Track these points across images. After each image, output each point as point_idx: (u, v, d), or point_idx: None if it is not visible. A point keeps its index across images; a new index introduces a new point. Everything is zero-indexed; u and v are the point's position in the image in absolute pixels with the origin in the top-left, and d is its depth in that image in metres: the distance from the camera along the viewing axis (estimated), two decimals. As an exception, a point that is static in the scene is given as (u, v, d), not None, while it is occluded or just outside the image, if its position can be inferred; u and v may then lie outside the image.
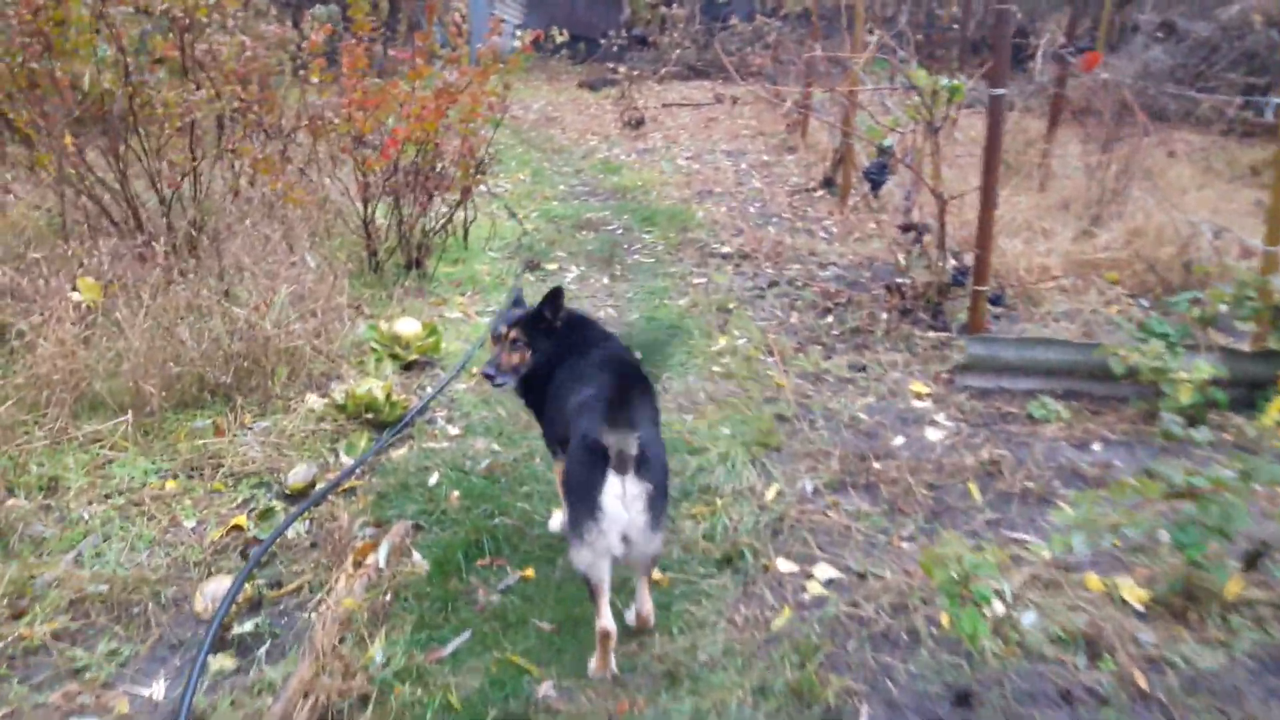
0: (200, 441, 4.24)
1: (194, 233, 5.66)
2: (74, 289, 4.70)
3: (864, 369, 5.38)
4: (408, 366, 5.17)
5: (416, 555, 3.49)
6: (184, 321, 4.55)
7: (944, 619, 3.23)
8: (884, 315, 6.14)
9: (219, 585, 3.10)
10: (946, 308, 6.15)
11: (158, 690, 2.85)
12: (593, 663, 2.94)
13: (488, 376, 3.43)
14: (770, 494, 4.00)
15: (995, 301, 6.04)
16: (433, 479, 4.04)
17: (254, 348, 4.47)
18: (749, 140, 13.07)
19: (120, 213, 5.72)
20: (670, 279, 6.96)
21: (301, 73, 6.10)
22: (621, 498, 2.74)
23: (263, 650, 3.03)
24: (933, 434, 4.64)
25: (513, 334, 3.39)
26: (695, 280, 6.94)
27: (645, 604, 3.10)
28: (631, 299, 6.55)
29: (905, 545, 3.72)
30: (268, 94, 7.01)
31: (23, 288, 4.54)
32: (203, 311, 4.64)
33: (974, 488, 4.12)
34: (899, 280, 6.47)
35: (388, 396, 4.47)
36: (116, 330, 4.50)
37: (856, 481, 4.16)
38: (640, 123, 14.14)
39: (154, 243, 5.28)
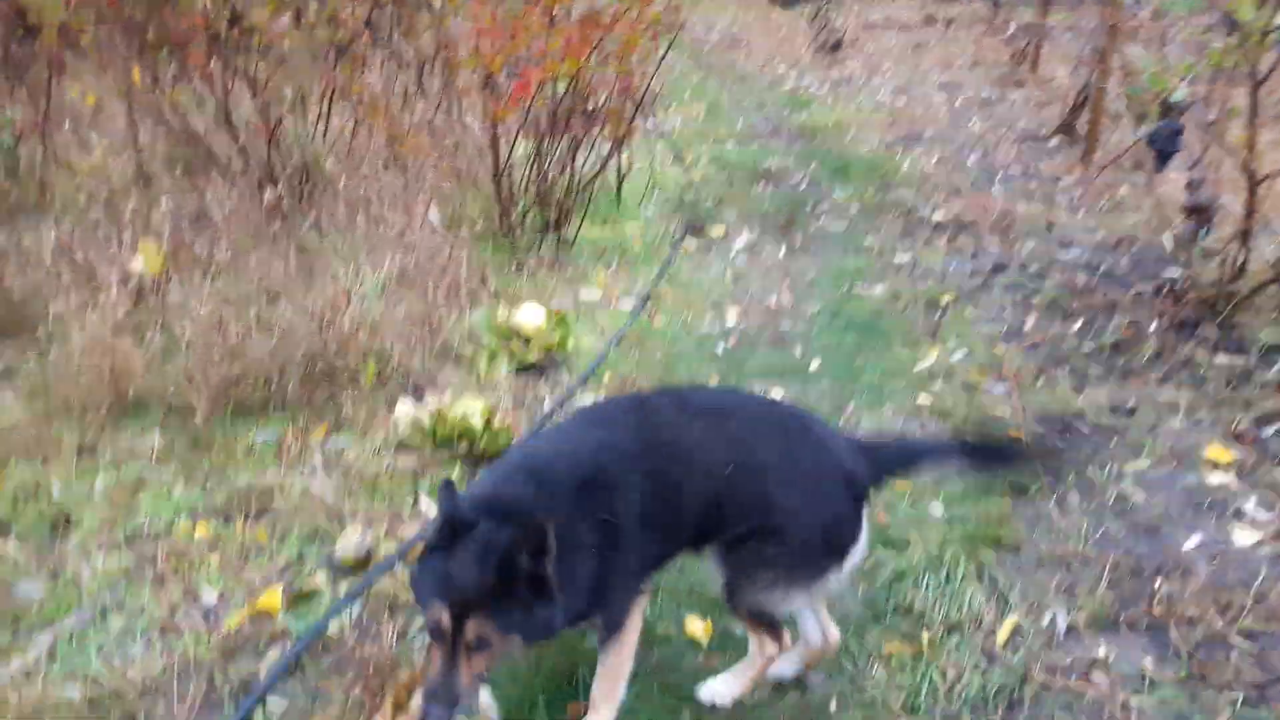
0: (258, 462, 3.39)
1: (300, 184, 4.79)
2: (136, 253, 3.92)
3: (1133, 412, 3.92)
4: (526, 369, 4.14)
5: (484, 694, 2.46)
6: (251, 309, 3.66)
7: None
8: (1153, 325, 4.60)
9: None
10: (1242, 322, 4.53)
11: None
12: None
13: None
14: (1003, 632, 2.73)
15: (1335, 329, 4.36)
16: (527, 556, 3.01)
17: (328, 350, 3.54)
18: (966, 71, 11.19)
19: (224, 151, 4.93)
20: (865, 256, 5.59)
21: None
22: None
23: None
24: (1243, 535, 3.18)
25: (476, 629, 1.86)
26: (897, 259, 5.54)
27: (833, 627, 2.56)
28: (813, 282, 5.25)
29: (1215, 747, 2.39)
30: (408, 14, 6.06)
31: (75, 254, 3.77)
32: (273, 295, 3.74)
33: (1321, 644, 2.69)
34: (1173, 278, 4.89)
35: (487, 423, 3.45)
36: (177, 315, 3.68)
37: (1134, 616, 2.81)
38: (837, 46, 12.50)
39: (267, 186, 4.46)
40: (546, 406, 3.88)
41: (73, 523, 3.07)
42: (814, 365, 4.22)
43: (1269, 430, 3.74)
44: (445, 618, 1.85)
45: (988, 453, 2.65)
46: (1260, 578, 2.95)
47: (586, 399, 3.94)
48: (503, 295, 4.67)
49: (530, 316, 4.22)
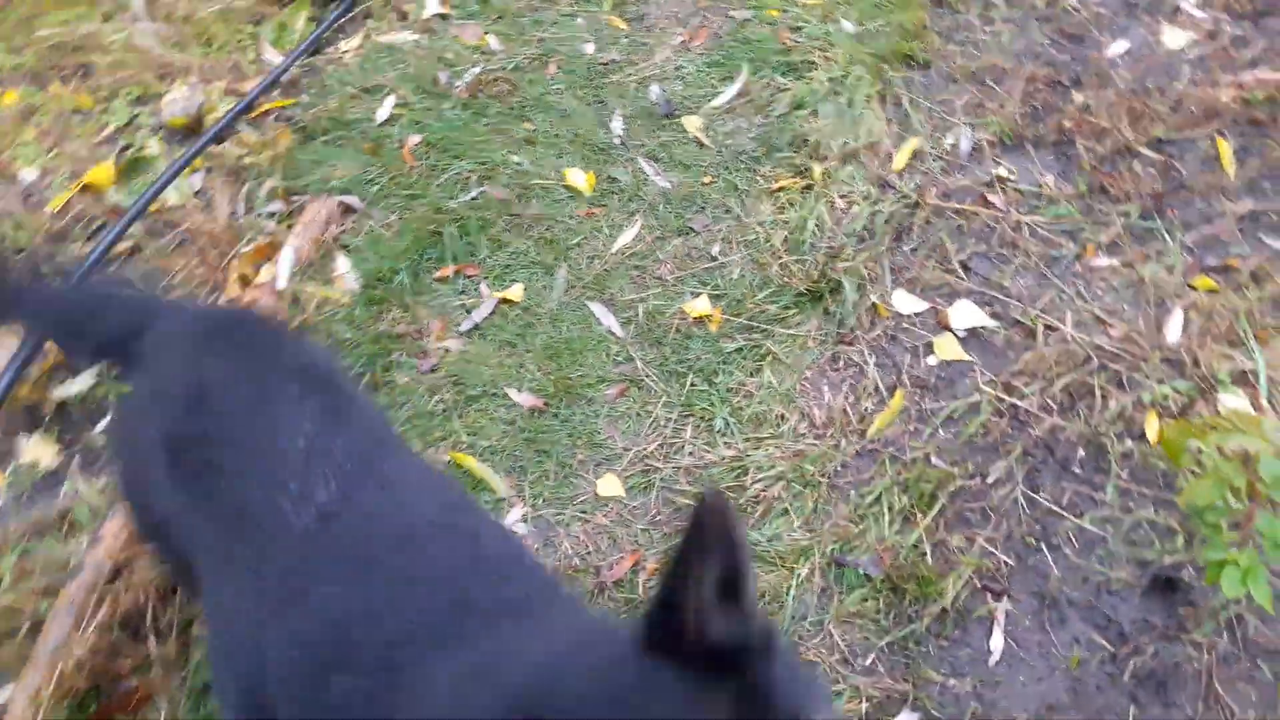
0: (68, 12, 2.90)
1: None
2: None
3: (1082, -104, 3.41)
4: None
5: (342, 263, 2.30)
6: None
7: (1149, 430, 2.02)
8: None
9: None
10: None
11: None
12: None
13: None
14: (901, 157, 2.55)
15: None
16: (385, 108, 2.68)
17: None
18: None
19: None
20: None
21: None
22: None
23: (99, 430, 2.07)
24: (1174, 36, 2.88)
25: None
26: None
27: None
28: None
29: (1102, 263, 2.35)
30: None
31: None
32: None
33: (1225, 148, 2.54)
34: None
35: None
36: None
37: (1042, 133, 2.62)
38: None
39: None
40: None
41: None
42: None
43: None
44: None
45: None
46: (1179, 76, 2.73)
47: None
48: None
49: None
